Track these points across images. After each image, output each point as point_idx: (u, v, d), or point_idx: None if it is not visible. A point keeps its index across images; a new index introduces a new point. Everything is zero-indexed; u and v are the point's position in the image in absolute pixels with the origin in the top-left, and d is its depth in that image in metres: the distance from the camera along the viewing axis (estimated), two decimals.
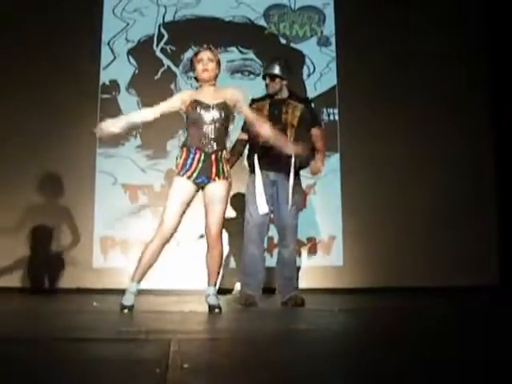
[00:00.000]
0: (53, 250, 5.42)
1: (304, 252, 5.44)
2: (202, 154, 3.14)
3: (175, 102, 3.31)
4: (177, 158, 3.23)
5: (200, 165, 3.13)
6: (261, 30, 5.96)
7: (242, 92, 3.35)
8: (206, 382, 1.33)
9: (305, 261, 5.43)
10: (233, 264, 5.40)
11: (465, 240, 5.55)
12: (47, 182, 5.46)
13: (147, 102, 5.87)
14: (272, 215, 3.88)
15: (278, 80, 3.87)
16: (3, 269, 5.25)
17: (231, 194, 3.35)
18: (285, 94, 3.92)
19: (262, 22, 5.97)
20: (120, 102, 5.69)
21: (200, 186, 3.19)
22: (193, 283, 5.42)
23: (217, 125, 3.17)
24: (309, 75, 5.82)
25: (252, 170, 3.85)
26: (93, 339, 2.03)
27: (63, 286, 5.28)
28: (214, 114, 3.17)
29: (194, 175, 3.15)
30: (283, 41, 5.96)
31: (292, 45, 5.87)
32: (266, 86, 3.93)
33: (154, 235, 3.19)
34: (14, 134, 5.47)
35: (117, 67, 5.76)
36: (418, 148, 5.69)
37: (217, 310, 3.12)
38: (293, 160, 3.70)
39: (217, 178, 3.16)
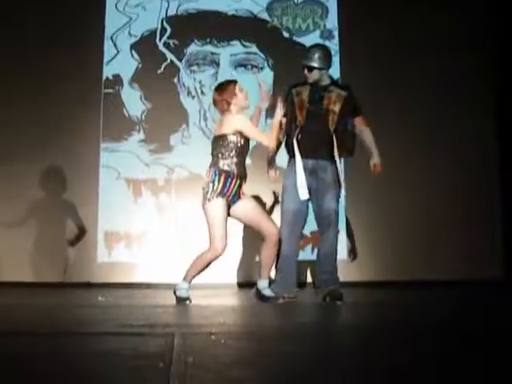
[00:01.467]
0: (57, 244, 5.44)
1: (308, 246, 5.44)
2: (239, 180, 3.47)
3: None
4: (213, 183, 3.43)
5: (236, 188, 3.46)
6: (264, 24, 5.94)
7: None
8: (209, 375, 1.34)
9: (309, 254, 5.43)
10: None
11: (469, 235, 5.53)
12: (51, 177, 5.48)
13: (150, 96, 5.94)
14: (311, 206, 3.74)
15: (315, 71, 3.75)
16: (8, 263, 5.28)
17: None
18: (326, 81, 3.80)
19: (265, 16, 5.95)
20: (123, 96, 5.69)
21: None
22: (197, 278, 5.45)
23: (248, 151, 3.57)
24: None
25: (292, 156, 3.71)
26: (97, 333, 2.04)
27: (68, 281, 5.30)
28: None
29: (231, 196, 3.46)
30: (286, 34, 5.93)
31: (295, 38, 5.85)
32: (305, 76, 3.79)
33: (209, 249, 3.42)
34: (18, 129, 5.48)
35: (120, 62, 5.76)
36: (422, 143, 5.67)
37: (279, 300, 3.49)
38: (335, 147, 3.61)
39: (242, 196, 3.53)
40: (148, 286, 5.12)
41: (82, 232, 5.42)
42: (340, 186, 3.75)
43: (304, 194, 3.60)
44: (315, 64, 3.74)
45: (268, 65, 5.79)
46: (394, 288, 4.91)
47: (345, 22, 5.90)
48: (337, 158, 3.66)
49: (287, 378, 1.35)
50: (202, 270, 3.46)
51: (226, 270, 5.31)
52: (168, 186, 5.57)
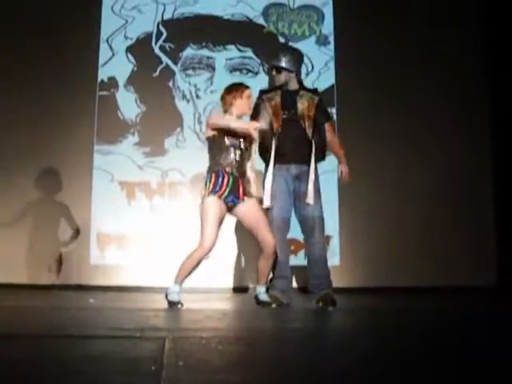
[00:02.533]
0: (50, 246, 5.42)
1: (301, 251, 5.44)
2: (231, 177, 3.43)
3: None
4: (206, 183, 3.46)
5: (230, 187, 3.43)
6: (260, 29, 5.96)
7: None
8: (201, 379, 1.34)
9: (301, 260, 5.43)
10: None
11: (462, 241, 5.55)
12: (44, 179, 5.46)
13: (145, 99, 5.94)
14: (295, 212, 3.73)
15: (284, 72, 3.74)
16: (3, 265, 5.25)
17: None
18: (294, 85, 3.78)
19: (261, 21, 5.97)
20: (118, 99, 5.69)
21: (229, 206, 3.48)
22: (188, 281, 5.44)
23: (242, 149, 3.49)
24: (307, 74, 5.81)
25: (267, 164, 3.69)
26: (88, 336, 2.03)
27: (60, 283, 5.28)
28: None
29: (225, 194, 3.43)
30: (282, 39, 5.95)
31: (291, 43, 5.86)
32: (273, 77, 3.80)
33: (198, 247, 3.41)
34: (11, 130, 5.46)
35: (115, 64, 5.76)
36: (416, 148, 5.69)
37: (272, 305, 3.52)
38: (313, 152, 3.60)
39: (246, 197, 3.49)
40: (140, 289, 5.10)
41: (74, 234, 5.40)
42: (320, 192, 3.74)
43: (267, 203, 3.61)
44: (284, 65, 3.73)
45: (263, 69, 5.80)
46: (383, 294, 4.92)
47: (341, 27, 5.93)
48: (313, 163, 3.64)
49: (278, 382, 1.35)
50: (193, 269, 3.43)
51: (219, 275, 5.31)
52: (161, 189, 5.56)
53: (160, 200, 5.57)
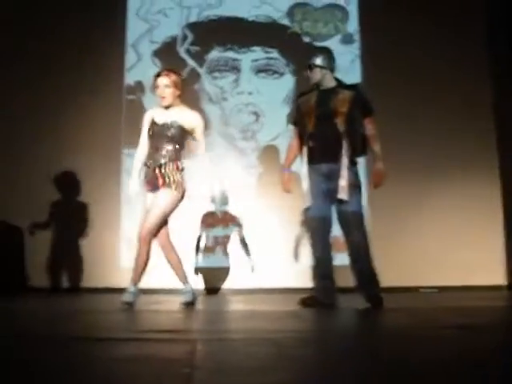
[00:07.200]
0: (80, 249, 5.50)
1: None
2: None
3: (145, 127, 3.75)
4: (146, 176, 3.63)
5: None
6: (284, 29, 5.95)
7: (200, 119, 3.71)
8: (233, 382, 1.33)
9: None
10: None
11: (475, 242, 5.54)
12: (74, 182, 5.54)
13: None
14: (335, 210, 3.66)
15: (317, 70, 3.72)
16: (32, 269, 5.34)
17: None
18: (330, 83, 3.75)
19: (286, 21, 5.96)
20: (145, 102, 5.74)
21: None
22: (219, 282, 5.45)
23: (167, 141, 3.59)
24: None
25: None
26: (119, 339, 2.04)
27: (90, 286, 5.35)
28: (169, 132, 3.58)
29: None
30: (307, 39, 5.93)
31: (316, 43, 5.84)
32: (308, 77, 3.78)
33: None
34: (41, 134, 5.56)
35: (141, 68, 5.81)
36: (440, 150, 5.63)
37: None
38: (345, 149, 3.54)
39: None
40: (169, 291, 5.13)
41: (104, 237, 5.46)
42: (359, 188, 3.66)
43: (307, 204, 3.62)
44: (316, 62, 3.73)
45: (289, 70, 5.78)
46: (403, 293, 4.86)
47: (366, 25, 5.89)
48: (345, 159, 3.58)
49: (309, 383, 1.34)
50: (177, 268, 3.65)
51: (246, 275, 5.31)
52: (189, 190, 5.58)
53: (189, 202, 5.59)
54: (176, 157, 3.58)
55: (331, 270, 3.64)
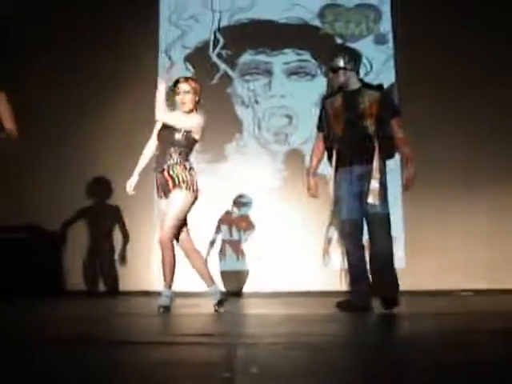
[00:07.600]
0: (114, 252, 5.56)
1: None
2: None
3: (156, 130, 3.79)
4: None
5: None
6: (316, 31, 5.92)
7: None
8: None
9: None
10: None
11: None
12: (107, 186, 5.62)
13: (205, 106, 5.98)
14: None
15: (340, 72, 3.64)
16: (69, 273, 5.43)
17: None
18: (355, 84, 3.66)
19: (317, 23, 5.93)
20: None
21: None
22: (254, 285, 5.44)
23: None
24: (366, 74, 5.72)
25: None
26: (157, 342, 2.05)
27: (124, 289, 5.41)
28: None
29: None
30: (339, 40, 5.89)
31: (348, 44, 5.78)
32: (331, 80, 3.73)
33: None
34: (74, 140, 5.65)
35: (174, 74, 5.84)
36: (483, 148, 5.52)
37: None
38: (376, 151, 3.49)
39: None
40: (203, 294, 5.14)
41: (139, 240, 5.52)
42: (386, 189, 3.59)
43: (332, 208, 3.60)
44: (339, 64, 3.65)
45: (321, 72, 5.75)
46: (450, 297, 4.77)
47: (399, 25, 5.81)
48: (377, 161, 3.53)
49: None
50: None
51: (283, 278, 5.29)
52: (223, 193, 5.59)
53: (220, 205, 5.60)
54: (182, 159, 3.59)
55: (366, 274, 3.59)
